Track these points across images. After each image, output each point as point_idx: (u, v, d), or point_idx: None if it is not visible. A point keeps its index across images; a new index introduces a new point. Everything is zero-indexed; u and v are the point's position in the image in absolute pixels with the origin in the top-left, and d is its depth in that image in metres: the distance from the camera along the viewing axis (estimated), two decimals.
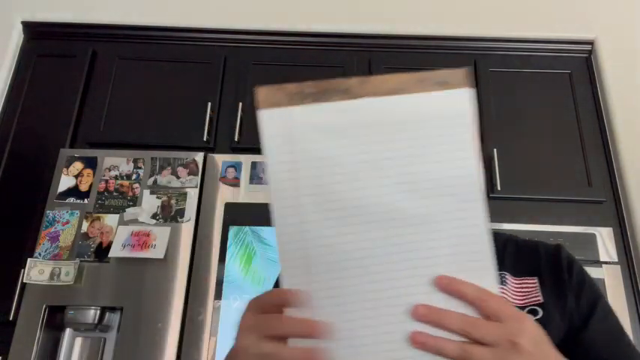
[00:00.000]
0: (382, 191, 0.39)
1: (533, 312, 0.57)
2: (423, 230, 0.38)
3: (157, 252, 1.48)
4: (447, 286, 0.38)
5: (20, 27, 2.01)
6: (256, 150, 1.76)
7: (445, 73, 0.40)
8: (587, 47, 2.02)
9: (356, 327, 0.38)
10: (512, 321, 0.38)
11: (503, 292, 0.59)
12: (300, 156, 0.39)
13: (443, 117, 0.40)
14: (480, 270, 0.39)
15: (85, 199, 1.58)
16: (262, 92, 0.40)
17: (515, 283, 0.61)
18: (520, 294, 0.60)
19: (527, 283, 0.61)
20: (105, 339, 1.49)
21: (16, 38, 1.98)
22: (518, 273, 0.62)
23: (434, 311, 0.37)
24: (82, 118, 1.86)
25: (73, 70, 1.91)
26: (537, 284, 0.60)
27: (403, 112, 0.40)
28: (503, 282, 0.61)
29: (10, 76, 1.93)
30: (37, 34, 2.02)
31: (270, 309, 0.40)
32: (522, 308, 0.57)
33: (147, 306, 1.45)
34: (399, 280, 0.38)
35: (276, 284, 0.50)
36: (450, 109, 0.40)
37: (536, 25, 1.99)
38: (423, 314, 0.37)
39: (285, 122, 0.40)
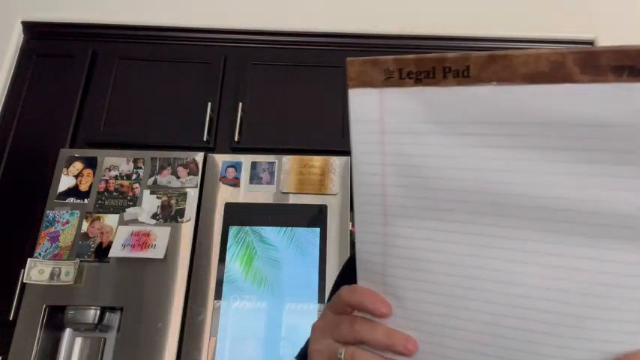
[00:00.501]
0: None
1: None
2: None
3: (157, 252, 1.48)
4: None
5: (20, 27, 2.01)
6: (256, 150, 1.77)
7: (625, 48, 0.24)
8: (587, 47, 2.02)
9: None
10: None
11: None
12: (391, 159, 0.30)
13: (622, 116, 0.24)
14: None
15: (85, 199, 1.58)
16: (354, 66, 0.30)
17: None
18: None
19: None
20: (105, 339, 1.49)
21: (16, 38, 1.98)
22: None
23: None
24: (82, 118, 1.86)
25: (73, 70, 1.91)
26: None
27: (569, 111, 0.25)
28: None
29: (10, 76, 1.93)
30: (37, 34, 2.02)
31: (344, 309, 0.35)
32: None
33: (147, 306, 1.45)
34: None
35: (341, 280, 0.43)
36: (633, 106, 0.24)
37: (536, 25, 1.99)
38: None
39: (378, 111, 0.30)
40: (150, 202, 1.57)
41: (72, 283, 1.45)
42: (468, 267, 0.29)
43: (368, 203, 0.31)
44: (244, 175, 1.62)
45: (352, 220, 1.62)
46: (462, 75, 0.27)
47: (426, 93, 0.28)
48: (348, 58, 0.30)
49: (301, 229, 1.54)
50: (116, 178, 1.61)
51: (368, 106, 0.30)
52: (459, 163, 0.28)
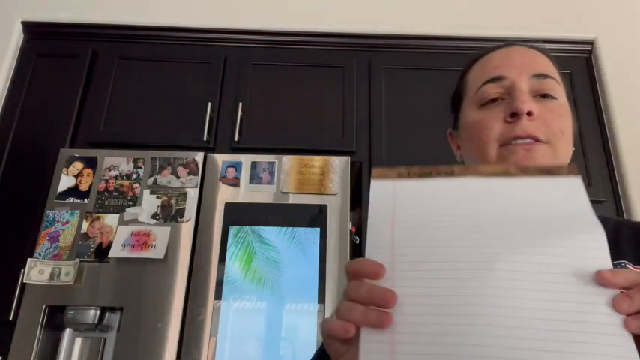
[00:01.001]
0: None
1: None
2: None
3: (157, 252, 1.48)
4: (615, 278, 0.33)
5: (20, 27, 2.01)
6: (256, 150, 1.76)
7: (551, 166, 0.43)
8: (587, 47, 2.02)
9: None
10: None
11: None
12: (399, 217, 0.41)
13: (555, 202, 0.39)
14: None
15: (85, 199, 1.58)
16: (377, 170, 0.45)
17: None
18: None
19: None
20: (105, 339, 1.49)
21: (16, 38, 1.98)
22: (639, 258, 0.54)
23: (617, 273, 0.33)
24: (82, 118, 1.86)
25: (73, 70, 1.91)
26: None
27: (504, 190, 0.41)
28: None
29: (10, 76, 1.93)
30: (37, 34, 2.02)
31: (348, 279, 0.39)
32: None
33: (147, 306, 1.45)
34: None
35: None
36: (564, 196, 0.39)
37: (536, 25, 1.99)
38: (609, 278, 0.33)
39: (390, 189, 0.44)
40: (150, 202, 1.57)
41: (72, 283, 1.45)
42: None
43: (380, 246, 0.39)
44: (244, 175, 1.62)
45: (352, 220, 1.62)
46: (449, 174, 0.44)
47: (425, 181, 0.44)
48: (374, 168, 0.45)
49: (301, 229, 1.54)
50: (116, 178, 1.61)
51: (383, 189, 0.44)
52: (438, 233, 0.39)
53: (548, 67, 0.61)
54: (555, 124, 0.56)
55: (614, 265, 0.49)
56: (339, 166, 1.62)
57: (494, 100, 0.59)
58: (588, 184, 1.75)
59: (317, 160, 1.63)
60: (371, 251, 0.39)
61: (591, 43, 2.01)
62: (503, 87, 0.59)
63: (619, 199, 1.76)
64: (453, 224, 0.39)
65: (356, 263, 0.38)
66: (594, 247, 0.36)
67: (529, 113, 0.55)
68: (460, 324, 0.34)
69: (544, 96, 0.58)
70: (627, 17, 2.07)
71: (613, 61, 1.96)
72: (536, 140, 0.55)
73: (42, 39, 2.01)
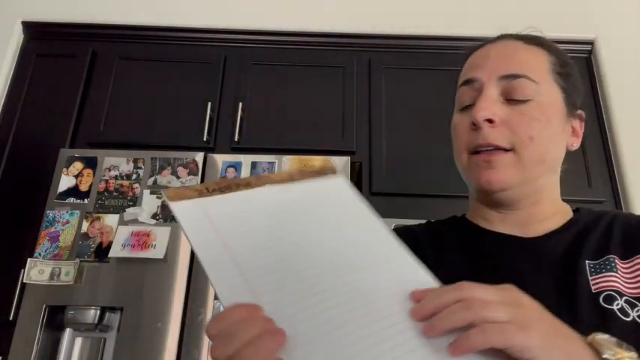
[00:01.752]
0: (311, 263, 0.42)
1: None
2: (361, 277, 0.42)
3: (157, 252, 1.48)
4: (423, 311, 0.37)
5: (20, 27, 2.01)
6: (256, 150, 1.76)
7: (319, 166, 0.51)
8: (587, 47, 2.02)
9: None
10: (506, 295, 0.37)
11: (615, 280, 0.50)
12: (224, 233, 0.43)
13: (326, 198, 0.48)
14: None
15: (85, 199, 1.58)
16: (171, 191, 0.44)
17: (625, 268, 0.52)
18: (632, 280, 0.50)
19: (638, 263, 0.52)
20: (105, 339, 1.49)
21: (16, 38, 1.98)
22: (627, 253, 0.53)
23: (429, 297, 0.37)
24: (82, 118, 1.86)
25: (73, 70, 1.91)
26: None
27: (294, 197, 0.48)
28: (612, 268, 0.51)
29: (10, 76, 1.93)
30: (37, 34, 2.02)
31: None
32: (638, 300, 0.49)
33: (147, 306, 1.45)
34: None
35: None
36: (333, 191, 0.49)
37: (536, 26, 1.99)
38: (418, 312, 0.37)
39: (198, 209, 0.43)
40: (150, 202, 1.57)
41: (72, 283, 1.45)
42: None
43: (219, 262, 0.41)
44: (244, 175, 1.62)
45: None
46: (247, 186, 0.47)
47: (228, 196, 0.45)
48: (164, 190, 0.47)
49: None
50: (116, 178, 1.61)
51: (191, 211, 0.43)
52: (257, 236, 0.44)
53: (527, 62, 0.58)
54: (523, 129, 0.54)
55: (603, 262, 0.50)
56: (338, 166, 1.62)
57: (468, 105, 0.59)
58: (588, 185, 1.75)
59: (317, 160, 1.63)
60: (224, 292, 0.39)
61: (591, 43, 2.01)
62: (475, 90, 0.58)
63: (619, 199, 1.76)
64: (270, 240, 0.43)
65: (224, 322, 0.36)
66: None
67: (489, 120, 0.54)
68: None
69: (515, 100, 0.55)
70: (627, 17, 2.07)
71: (613, 61, 1.96)
72: (497, 148, 0.54)
73: (42, 39, 2.01)
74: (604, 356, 0.37)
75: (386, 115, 1.86)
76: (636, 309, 0.48)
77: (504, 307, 0.36)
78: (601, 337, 0.38)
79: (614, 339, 0.38)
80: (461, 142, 0.59)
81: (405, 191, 1.74)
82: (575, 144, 0.61)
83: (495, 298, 0.37)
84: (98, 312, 1.45)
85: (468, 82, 0.59)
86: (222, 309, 0.38)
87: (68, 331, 1.49)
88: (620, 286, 0.50)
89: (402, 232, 0.52)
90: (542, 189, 0.58)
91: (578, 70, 0.65)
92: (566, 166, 0.64)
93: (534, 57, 0.59)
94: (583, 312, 0.48)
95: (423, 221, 0.68)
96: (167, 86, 1.89)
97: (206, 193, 0.45)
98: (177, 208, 0.43)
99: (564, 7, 2.07)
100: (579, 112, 0.61)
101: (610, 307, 0.48)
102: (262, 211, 0.45)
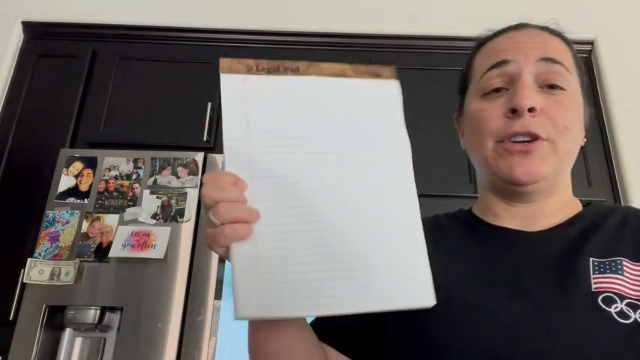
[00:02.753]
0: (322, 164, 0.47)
1: None
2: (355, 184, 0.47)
3: (157, 252, 1.48)
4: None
5: (20, 27, 2.01)
6: None
7: (377, 66, 0.52)
8: (587, 47, 2.02)
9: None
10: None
11: (620, 283, 0.48)
12: (252, 112, 0.47)
13: (375, 98, 0.50)
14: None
15: (85, 199, 1.58)
16: (225, 61, 0.47)
17: (634, 270, 0.49)
18: (637, 283, 0.48)
19: None
20: (105, 339, 1.49)
21: (16, 38, 1.98)
22: (638, 255, 0.50)
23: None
24: (82, 118, 1.86)
25: (73, 70, 1.91)
26: None
27: (342, 92, 0.49)
28: (618, 270, 0.49)
29: (10, 76, 1.93)
30: (37, 34, 2.02)
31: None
32: None
33: (147, 306, 1.45)
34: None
35: None
36: (380, 94, 0.51)
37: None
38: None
39: (241, 85, 0.47)
40: (150, 202, 1.57)
41: (72, 283, 1.45)
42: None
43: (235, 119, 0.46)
44: None
45: None
46: (295, 71, 0.48)
47: (274, 78, 0.48)
48: (221, 58, 0.47)
49: None
50: (116, 178, 1.61)
51: (235, 84, 0.47)
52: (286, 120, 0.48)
53: (559, 51, 0.57)
54: (560, 119, 0.53)
55: (610, 263, 0.49)
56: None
57: (497, 90, 0.56)
58: (588, 185, 1.75)
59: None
60: (230, 158, 0.45)
61: (591, 43, 2.01)
62: (507, 74, 0.56)
63: (619, 199, 1.76)
64: (297, 131, 0.47)
65: (215, 178, 0.44)
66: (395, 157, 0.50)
67: (531, 109, 0.52)
68: (307, 212, 0.45)
69: (552, 87, 0.54)
70: (627, 17, 2.07)
71: (613, 61, 1.96)
72: (536, 138, 0.53)
73: (42, 39, 2.01)
74: None
75: None
76: (639, 311, 0.46)
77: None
78: None
79: None
80: (487, 129, 0.55)
81: None
82: (584, 140, 0.61)
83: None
84: (98, 312, 1.45)
85: (500, 64, 0.56)
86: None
87: (68, 331, 1.49)
88: (624, 289, 0.48)
89: None
90: (560, 181, 0.58)
91: None
92: None
93: (563, 47, 0.59)
94: (578, 311, 0.47)
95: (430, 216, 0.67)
96: (167, 86, 1.89)
97: (254, 71, 0.47)
98: (224, 80, 0.46)
99: (564, 7, 2.07)
100: (587, 108, 0.61)
101: (607, 309, 0.46)
102: (297, 101, 0.48)
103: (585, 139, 0.61)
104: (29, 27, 2.02)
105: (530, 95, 0.53)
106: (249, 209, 0.44)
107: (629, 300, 0.47)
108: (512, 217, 0.58)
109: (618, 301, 0.47)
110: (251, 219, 0.44)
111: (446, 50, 1.98)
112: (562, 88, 0.55)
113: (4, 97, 1.89)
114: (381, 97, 0.51)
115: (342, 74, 0.49)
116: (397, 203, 0.48)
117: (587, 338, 0.44)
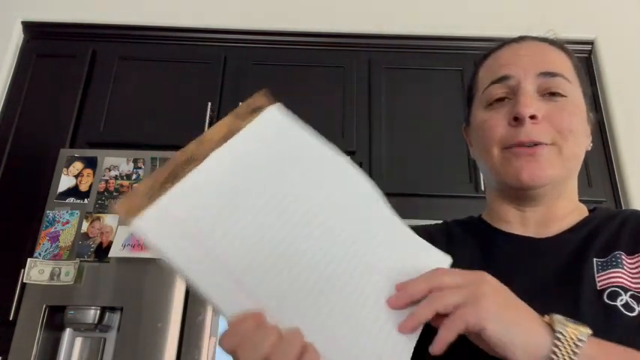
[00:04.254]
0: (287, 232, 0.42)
1: None
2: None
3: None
4: (398, 300, 0.42)
5: (20, 27, 2.01)
6: None
7: (251, 100, 0.47)
8: (587, 47, 2.02)
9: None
10: (471, 277, 0.42)
11: (621, 276, 0.50)
12: (201, 237, 0.39)
13: (275, 135, 0.46)
14: (418, 250, 0.46)
15: (85, 199, 1.58)
16: (121, 205, 0.38)
17: (631, 263, 0.52)
18: (636, 276, 0.50)
19: None
20: (105, 339, 1.49)
21: (16, 38, 1.98)
22: (635, 248, 0.53)
23: (402, 294, 0.42)
24: (82, 118, 1.86)
25: (73, 70, 1.91)
26: None
27: (249, 158, 0.44)
28: (618, 264, 0.51)
29: (10, 76, 1.93)
30: (37, 34, 2.02)
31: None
32: None
33: (147, 306, 1.45)
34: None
35: None
36: (275, 127, 0.47)
37: (536, 26, 1.99)
38: (394, 303, 0.42)
39: (159, 219, 0.38)
40: None
41: (72, 283, 1.45)
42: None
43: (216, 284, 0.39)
44: None
45: None
46: (191, 161, 0.43)
47: (184, 185, 0.41)
48: (114, 204, 0.44)
49: None
50: (116, 178, 1.61)
51: (156, 223, 0.38)
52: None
53: (559, 62, 0.59)
54: (564, 123, 0.55)
55: (610, 259, 0.52)
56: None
57: (500, 99, 0.58)
58: (588, 185, 1.75)
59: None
60: (222, 304, 0.38)
61: (591, 43, 2.01)
62: (509, 87, 0.58)
63: (619, 199, 1.76)
64: (253, 221, 0.41)
65: (237, 335, 0.37)
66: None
67: (533, 117, 0.54)
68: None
69: (553, 94, 0.56)
70: (627, 17, 2.07)
71: (613, 61, 1.96)
72: (540, 144, 0.54)
73: (42, 39, 2.01)
74: (556, 329, 0.40)
75: (386, 115, 1.85)
76: None
77: (460, 291, 0.41)
78: (557, 316, 0.41)
79: (570, 320, 0.41)
80: (493, 138, 0.57)
81: (406, 191, 1.73)
82: (590, 145, 0.63)
83: (458, 282, 0.41)
84: (98, 312, 1.45)
85: (501, 79, 0.58)
86: (226, 321, 0.38)
87: (68, 331, 1.49)
88: (625, 281, 0.50)
89: (419, 232, 0.51)
90: (567, 185, 0.59)
91: None
92: None
93: (562, 58, 0.60)
94: (585, 310, 0.48)
95: (440, 221, 0.68)
96: (167, 86, 1.89)
97: (156, 193, 0.39)
98: (142, 225, 0.37)
99: (564, 7, 2.07)
100: (591, 114, 0.63)
101: (613, 303, 0.48)
102: (227, 191, 0.42)
103: (592, 145, 0.62)
104: (29, 27, 2.02)
105: (530, 103, 0.54)
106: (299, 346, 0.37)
107: (633, 292, 0.49)
108: (523, 223, 0.60)
109: (623, 294, 0.49)
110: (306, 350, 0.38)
111: (446, 50, 1.98)
112: (563, 95, 0.56)
113: (4, 97, 1.89)
114: (278, 129, 0.47)
115: (231, 130, 0.45)
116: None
117: (597, 334, 0.45)
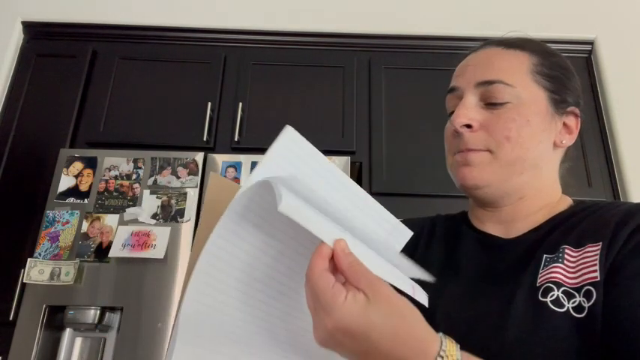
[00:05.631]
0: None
1: (587, 295, 0.48)
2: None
3: (157, 252, 1.48)
4: None
5: (20, 27, 2.01)
6: (256, 150, 1.76)
7: (208, 191, 0.50)
8: (587, 47, 2.02)
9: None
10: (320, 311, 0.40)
11: (558, 271, 0.51)
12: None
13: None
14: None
15: (85, 199, 1.58)
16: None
17: (573, 258, 0.52)
18: (575, 272, 0.50)
19: (586, 254, 0.51)
20: (105, 339, 1.49)
21: (16, 38, 1.98)
22: (582, 241, 0.52)
23: None
24: (82, 118, 1.86)
25: (73, 70, 1.91)
26: (598, 253, 0.50)
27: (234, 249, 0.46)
28: (559, 259, 0.52)
29: (10, 76, 1.93)
30: (37, 34, 2.02)
31: None
32: (578, 290, 0.49)
33: (147, 306, 1.45)
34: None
35: None
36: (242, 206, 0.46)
37: (536, 26, 1.99)
38: None
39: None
40: (150, 202, 1.57)
41: (72, 283, 1.45)
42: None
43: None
44: (244, 175, 1.62)
45: None
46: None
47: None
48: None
49: None
50: (116, 178, 1.61)
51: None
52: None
53: (504, 67, 0.60)
54: (499, 130, 0.57)
55: (556, 255, 0.53)
56: (338, 166, 1.62)
57: (452, 112, 0.62)
58: (588, 185, 1.75)
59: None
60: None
61: (591, 43, 2.01)
62: (458, 97, 0.62)
63: (619, 199, 1.76)
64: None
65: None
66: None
67: (469, 126, 0.59)
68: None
69: (490, 103, 0.59)
70: (627, 17, 2.07)
71: (613, 61, 1.96)
72: (472, 150, 0.59)
73: (42, 39, 2.01)
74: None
75: (386, 115, 1.86)
76: (573, 300, 0.48)
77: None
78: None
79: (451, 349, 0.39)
80: (447, 146, 0.65)
81: (405, 191, 1.74)
82: (566, 140, 0.61)
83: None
84: (98, 312, 1.45)
85: (451, 90, 0.64)
86: None
87: (68, 331, 1.49)
88: (561, 276, 0.51)
89: (408, 224, 0.52)
90: (526, 185, 0.60)
91: (578, 69, 0.65)
92: (567, 164, 0.64)
93: (512, 61, 0.61)
94: (518, 307, 0.50)
95: (434, 215, 0.72)
96: (167, 86, 1.89)
97: None
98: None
99: (564, 7, 2.07)
100: (571, 108, 0.61)
101: (544, 299, 0.49)
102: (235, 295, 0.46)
103: (570, 137, 0.61)
104: (29, 27, 2.02)
105: (463, 114, 0.59)
106: None
107: (565, 288, 0.50)
108: (491, 221, 0.63)
109: (555, 289, 0.50)
110: None
111: (445, 50, 1.98)
112: (502, 104, 0.58)
113: (4, 97, 1.89)
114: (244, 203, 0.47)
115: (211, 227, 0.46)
116: None
117: (524, 332, 0.48)
